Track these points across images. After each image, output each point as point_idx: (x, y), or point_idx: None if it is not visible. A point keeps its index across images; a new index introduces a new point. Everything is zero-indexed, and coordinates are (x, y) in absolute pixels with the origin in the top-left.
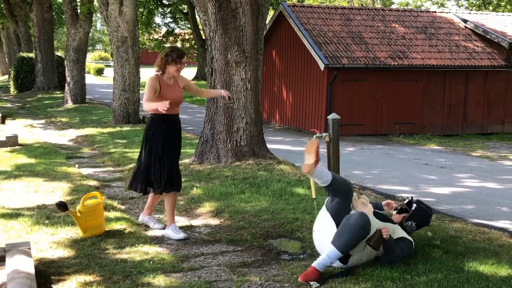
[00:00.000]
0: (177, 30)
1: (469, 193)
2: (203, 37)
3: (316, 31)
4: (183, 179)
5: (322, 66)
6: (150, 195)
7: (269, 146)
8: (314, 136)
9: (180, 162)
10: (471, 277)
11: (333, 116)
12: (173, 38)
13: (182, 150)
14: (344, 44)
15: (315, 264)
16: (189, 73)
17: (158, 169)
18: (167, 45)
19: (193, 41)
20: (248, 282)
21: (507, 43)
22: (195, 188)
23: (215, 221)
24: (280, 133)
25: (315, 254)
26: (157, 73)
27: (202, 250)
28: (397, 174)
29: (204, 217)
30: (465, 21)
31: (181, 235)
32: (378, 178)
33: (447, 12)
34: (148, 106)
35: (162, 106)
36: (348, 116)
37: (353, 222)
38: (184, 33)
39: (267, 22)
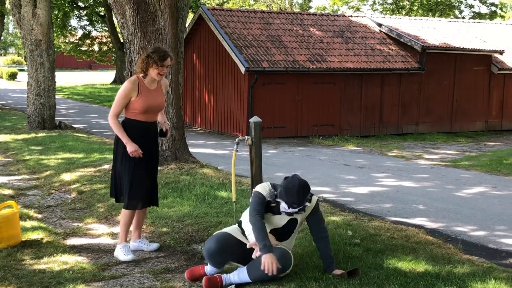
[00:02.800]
0: (94, 33)
1: (386, 192)
2: (121, 40)
3: (236, 35)
4: (102, 186)
5: (243, 70)
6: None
7: (191, 150)
8: (237, 139)
9: (99, 168)
10: (390, 273)
11: (254, 119)
12: (90, 41)
13: (101, 156)
14: (264, 47)
15: (224, 277)
16: (107, 76)
17: (124, 181)
18: (84, 48)
19: (111, 44)
20: None
21: (420, 46)
22: None
23: None
24: (202, 136)
25: None
26: (139, 74)
27: None
28: (318, 175)
29: None
30: (379, 25)
31: (130, 256)
32: None
33: (362, 17)
34: (116, 126)
35: (133, 152)
36: (270, 119)
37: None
38: (102, 36)
39: (186, 25)
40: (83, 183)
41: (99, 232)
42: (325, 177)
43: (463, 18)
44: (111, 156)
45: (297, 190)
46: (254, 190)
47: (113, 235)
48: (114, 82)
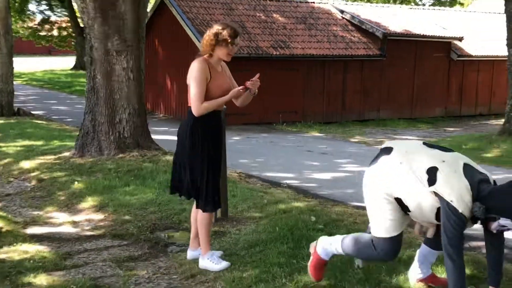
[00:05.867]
0: (53, 18)
1: (348, 177)
2: (81, 25)
3: (198, 20)
4: (63, 173)
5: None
6: (194, 218)
7: (154, 137)
8: None
9: (59, 155)
10: (353, 258)
11: None
12: (49, 26)
13: (61, 143)
14: None
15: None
16: (67, 62)
17: (201, 180)
18: (43, 33)
19: (70, 29)
20: (135, 276)
21: (381, 33)
22: (76, 182)
23: (98, 216)
24: (165, 123)
25: None
26: (203, 56)
27: (86, 246)
28: (282, 161)
29: (87, 212)
30: (342, 12)
31: (223, 263)
32: (263, 166)
33: (325, 3)
34: (210, 105)
35: (237, 91)
36: (234, 106)
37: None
38: (61, 21)
39: (148, 10)
40: (43, 171)
41: (60, 221)
42: (289, 163)
43: (424, 5)
44: (71, 143)
45: None
46: (449, 202)
47: (74, 224)
48: (75, 67)
